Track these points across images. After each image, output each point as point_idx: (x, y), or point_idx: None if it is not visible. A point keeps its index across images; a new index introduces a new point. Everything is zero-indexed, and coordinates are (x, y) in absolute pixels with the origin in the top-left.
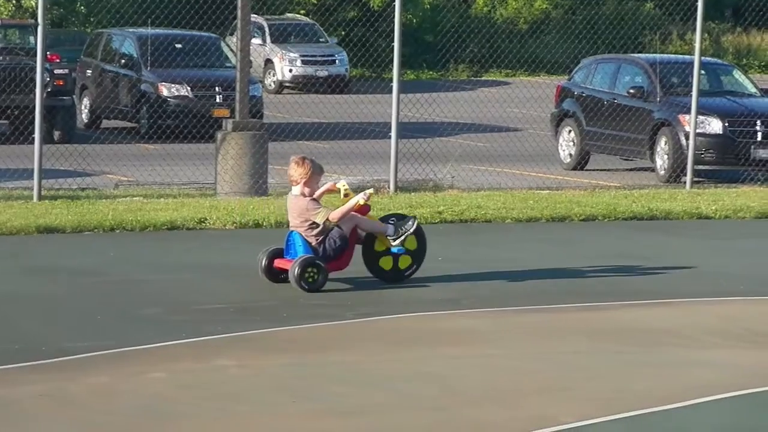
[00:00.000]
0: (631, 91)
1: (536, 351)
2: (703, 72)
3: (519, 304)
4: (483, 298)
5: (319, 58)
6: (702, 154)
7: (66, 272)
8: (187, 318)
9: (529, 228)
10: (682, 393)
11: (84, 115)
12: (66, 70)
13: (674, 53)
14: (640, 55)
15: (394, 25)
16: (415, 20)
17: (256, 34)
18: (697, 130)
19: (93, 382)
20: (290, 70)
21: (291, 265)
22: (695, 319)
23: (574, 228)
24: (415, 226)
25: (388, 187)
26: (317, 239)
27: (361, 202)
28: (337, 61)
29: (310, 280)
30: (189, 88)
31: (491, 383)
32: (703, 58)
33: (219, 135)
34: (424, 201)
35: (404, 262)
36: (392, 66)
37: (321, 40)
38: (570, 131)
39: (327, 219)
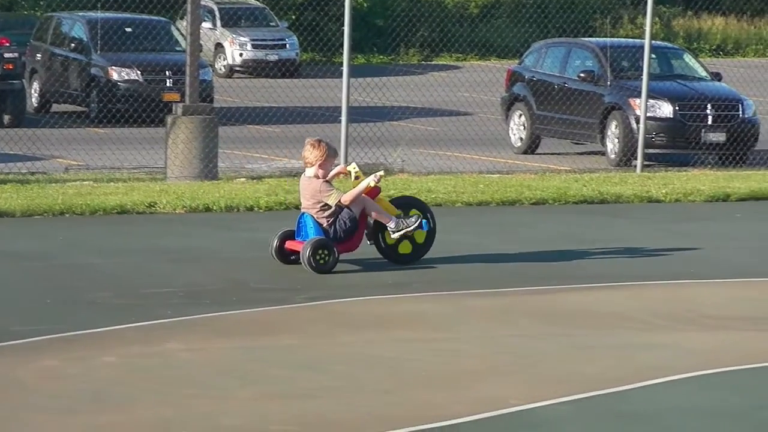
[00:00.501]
0: (582, 75)
1: (486, 334)
2: (653, 56)
3: (469, 287)
4: (433, 281)
5: (269, 42)
6: (652, 137)
7: (15, 257)
8: (137, 302)
9: (480, 212)
10: (632, 375)
11: (34, 99)
12: (15, 54)
13: (625, 37)
14: (590, 39)
15: (344, 9)
16: (365, 4)
17: (206, 18)
18: (648, 114)
19: (42, 366)
20: (240, 54)
21: (302, 247)
22: (645, 302)
23: (524, 212)
24: (416, 225)
25: None
26: (328, 221)
27: (372, 184)
28: (287, 45)
29: (321, 261)
30: (139, 72)
31: (440, 366)
32: (653, 42)
33: (169, 119)
34: None
35: (404, 248)
36: (342, 50)
37: (271, 24)
38: (520, 115)
39: (339, 201)
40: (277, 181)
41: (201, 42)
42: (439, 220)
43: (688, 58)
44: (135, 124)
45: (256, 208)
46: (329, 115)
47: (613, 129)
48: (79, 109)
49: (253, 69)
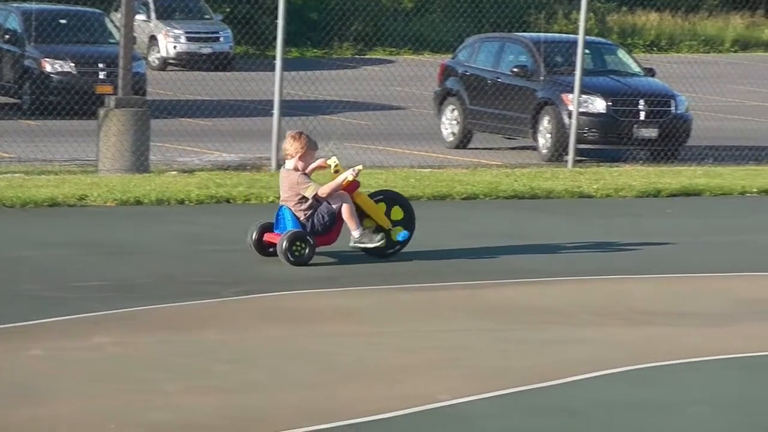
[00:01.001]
0: (515, 70)
1: (416, 329)
2: (587, 51)
3: (399, 282)
4: (363, 276)
5: (203, 35)
6: (585, 133)
7: None
8: (66, 295)
9: None
10: (560, 370)
11: None
12: None
13: (559, 32)
14: (524, 34)
15: (278, 2)
16: None
17: (140, 10)
18: (580, 109)
19: None
20: (174, 47)
21: (279, 239)
22: (576, 297)
23: (455, 206)
24: (377, 245)
25: (270, 165)
26: (305, 214)
27: (350, 178)
28: (221, 38)
29: (297, 253)
30: (72, 64)
31: (369, 361)
32: (587, 37)
33: (101, 112)
34: None
35: (396, 213)
36: (276, 43)
37: (206, 16)
38: (453, 110)
39: (316, 194)
40: (208, 175)
41: (135, 34)
42: None
43: (621, 53)
44: (67, 117)
45: (187, 202)
46: (262, 108)
47: (545, 124)
48: (12, 100)
49: (186, 62)
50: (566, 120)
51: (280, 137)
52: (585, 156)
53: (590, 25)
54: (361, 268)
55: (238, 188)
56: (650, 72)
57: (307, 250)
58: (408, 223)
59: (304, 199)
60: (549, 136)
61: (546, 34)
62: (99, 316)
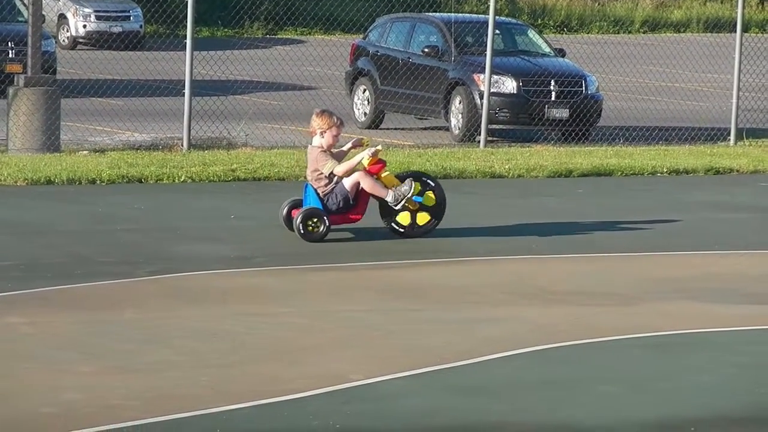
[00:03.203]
0: (426, 50)
1: (328, 309)
2: (497, 32)
3: (312, 262)
4: (275, 255)
5: (113, 14)
6: (496, 113)
7: None
8: None
9: None
10: (473, 349)
11: None
12: None
13: (470, 13)
14: (435, 14)
15: None
16: None
17: None
18: (492, 90)
19: None
20: (84, 26)
21: (296, 215)
22: (489, 277)
23: None
24: (413, 186)
25: (182, 145)
26: (324, 191)
27: (366, 160)
28: (131, 17)
29: (311, 230)
30: None
31: (281, 341)
32: (497, 17)
33: (11, 91)
34: (217, 159)
35: (422, 218)
36: (187, 23)
37: None
38: (364, 90)
39: (332, 171)
40: (120, 154)
41: (44, 13)
42: (282, 195)
43: (532, 34)
44: None
45: (98, 181)
46: (172, 88)
47: (457, 104)
48: None
49: (96, 41)
50: (478, 100)
51: (191, 117)
52: (497, 136)
53: (501, 6)
54: (271, 248)
55: (150, 168)
56: (561, 52)
57: (321, 228)
58: (437, 208)
59: (323, 176)
60: (461, 116)
61: (457, 14)
62: (11, 296)
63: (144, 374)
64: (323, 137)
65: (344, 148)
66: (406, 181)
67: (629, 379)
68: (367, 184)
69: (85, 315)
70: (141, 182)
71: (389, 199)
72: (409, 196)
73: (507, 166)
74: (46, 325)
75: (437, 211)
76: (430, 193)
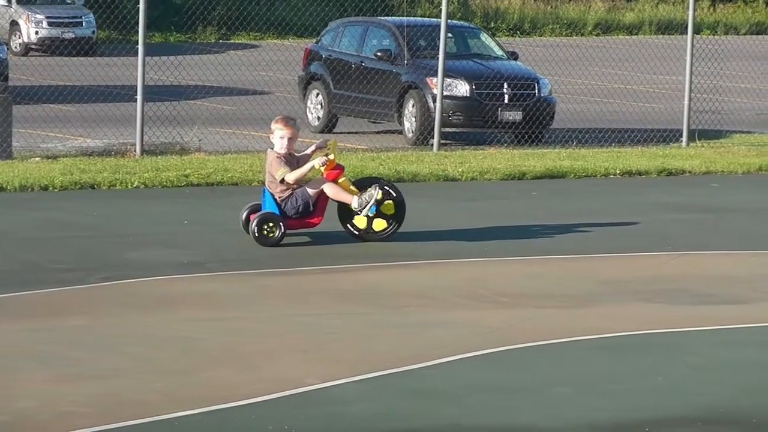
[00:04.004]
0: (379, 54)
1: (280, 313)
2: (450, 35)
3: (263, 266)
4: (227, 260)
5: (65, 20)
6: (449, 116)
7: None
8: None
9: None
10: (426, 353)
11: None
12: None
13: (422, 16)
14: (387, 18)
15: None
16: None
17: None
18: (445, 93)
19: None
20: (36, 32)
21: (252, 219)
22: (440, 280)
23: None
24: (377, 193)
25: (135, 151)
26: (280, 196)
27: (317, 166)
28: (84, 23)
29: (266, 234)
30: None
31: (234, 346)
32: (450, 21)
33: None
34: (170, 164)
35: (379, 225)
36: (139, 28)
37: (67, 1)
38: (318, 94)
39: (283, 178)
40: (72, 161)
41: None
42: (235, 199)
43: (484, 37)
44: None
45: (51, 188)
46: (125, 93)
47: (410, 108)
48: None
49: (48, 47)
50: (431, 104)
51: (144, 122)
52: (450, 139)
53: (453, 9)
54: (224, 253)
55: (103, 174)
56: (513, 55)
57: (276, 233)
58: (397, 216)
59: (276, 180)
60: (414, 119)
61: (409, 18)
62: None
63: (97, 381)
64: (280, 141)
65: (307, 152)
66: (372, 187)
67: (582, 381)
68: (331, 192)
69: (36, 322)
70: (94, 188)
71: (354, 205)
72: (372, 201)
73: (460, 169)
74: None
75: (396, 219)
76: (390, 203)
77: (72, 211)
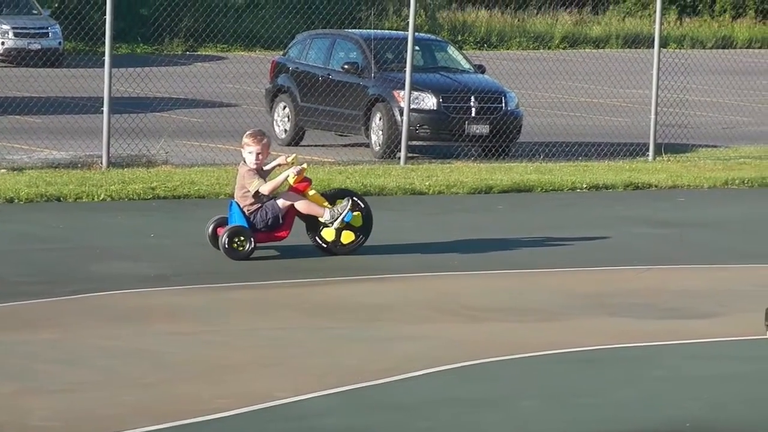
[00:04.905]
0: (346, 66)
1: (248, 327)
2: (417, 48)
3: (230, 280)
4: (194, 274)
5: (31, 31)
6: (417, 129)
7: None
8: None
9: None
10: (394, 367)
11: None
12: None
13: (390, 29)
14: (354, 30)
15: None
16: None
17: None
18: (412, 106)
19: None
20: (2, 43)
21: (221, 233)
22: (408, 294)
23: None
24: (348, 207)
25: (101, 163)
26: (250, 209)
27: (291, 177)
28: (50, 33)
29: (237, 248)
30: None
31: (203, 360)
32: (417, 34)
33: None
34: (137, 177)
35: (347, 237)
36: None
37: (33, 12)
38: (285, 107)
39: (257, 190)
40: (38, 173)
41: None
42: (202, 212)
43: (451, 50)
44: None
45: (16, 200)
46: (91, 105)
47: (377, 121)
48: None
49: (14, 58)
50: (398, 117)
51: (111, 134)
52: (417, 153)
53: (420, 22)
54: (191, 267)
55: (69, 186)
56: (481, 69)
57: (247, 246)
58: (364, 228)
59: (249, 193)
60: (381, 133)
61: (376, 31)
62: None
63: (64, 395)
64: (250, 156)
65: (268, 167)
66: (344, 200)
67: (551, 395)
68: (302, 205)
69: (3, 336)
70: (60, 201)
71: (326, 217)
72: (344, 213)
73: (427, 183)
74: None
75: (363, 231)
76: (358, 215)
77: (38, 224)
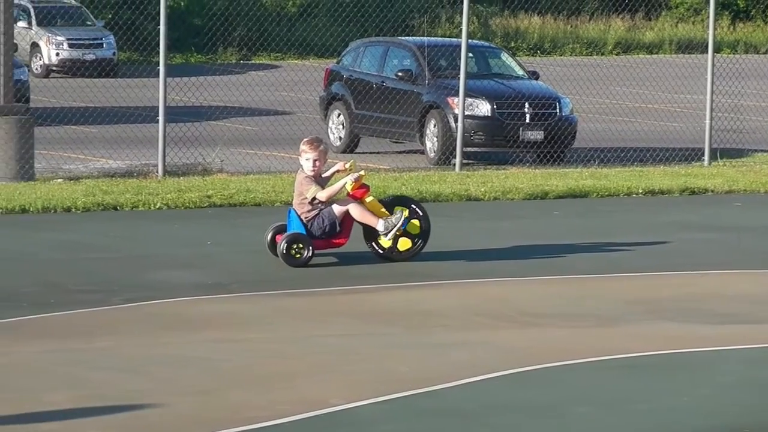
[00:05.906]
0: (400, 74)
1: (303, 334)
2: (471, 55)
3: (286, 287)
4: (250, 282)
5: (86, 42)
6: (471, 136)
7: None
8: None
9: None
10: (449, 373)
11: None
12: None
13: (443, 36)
14: (408, 38)
15: (160, 8)
16: (182, 3)
17: (21, 17)
18: (466, 113)
19: None
20: (57, 54)
21: (279, 240)
22: (463, 300)
23: None
24: (402, 221)
25: (157, 172)
26: (307, 216)
27: (349, 184)
28: (104, 44)
29: (296, 255)
30: None
31: (258, 367)
32: (471, 41)
33: None
34: (193, 185)
35: (404, 244)
36: (159, 49)
37: (88, 23)
38: (339, 114)
39: (315, 197)
40: (94, 182)
41: (16, 41)
42: (258, 220)
43: (505, 56)
44: None
45: (73, 209)
46: (146, 114)
47: (431, 128)
48: None
49: (69, 68)
50: (452, 123)
51: (166, 143)
52: (472, 159)
53: (473, 29)
54: (247, 274)
55: (125, 195)
56: (534, 75)
57: (305, 253)
58: (422, 235)
59: (306, 200)
60: (436, 139)
61: (430, 38)
62: None
63: (120, 403)
64: (307, 163)
65: (326, 174)
66: (397, 212)
67: (605, 401)
68: (356, 212)
69: (59, 344)
70: (116, 210)
71: (380, 228)
72: (399, 225)
73: (482, 189)
74: (19, 355)
75: (421, 238)
76: (416, 222)
77: (94, 233)
